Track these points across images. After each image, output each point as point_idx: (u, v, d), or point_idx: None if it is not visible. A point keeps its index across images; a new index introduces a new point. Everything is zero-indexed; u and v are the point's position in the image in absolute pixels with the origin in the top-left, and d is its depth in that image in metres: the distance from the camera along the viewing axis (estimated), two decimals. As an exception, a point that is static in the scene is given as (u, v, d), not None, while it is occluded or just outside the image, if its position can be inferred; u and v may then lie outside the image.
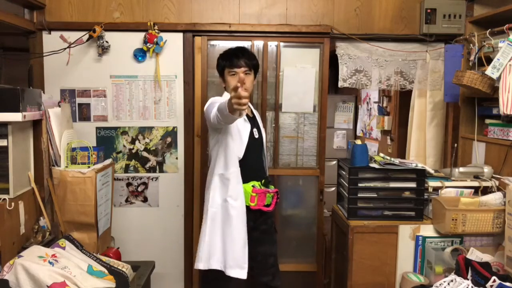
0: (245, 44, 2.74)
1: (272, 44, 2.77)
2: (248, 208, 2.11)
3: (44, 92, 2.56)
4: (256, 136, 2.22)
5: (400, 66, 2.85)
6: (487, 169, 2.32)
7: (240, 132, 2.13)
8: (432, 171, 2.41)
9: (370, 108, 4.61)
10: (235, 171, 2.10)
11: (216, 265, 2.07)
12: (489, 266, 1.86)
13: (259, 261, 2.23)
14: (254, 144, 2.19)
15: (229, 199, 2.09)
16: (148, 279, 2.42)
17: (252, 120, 2.24)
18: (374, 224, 2.26)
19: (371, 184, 2.32)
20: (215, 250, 2.09)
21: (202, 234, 2.13)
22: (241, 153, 2.12)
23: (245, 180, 2.12)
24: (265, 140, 2.30)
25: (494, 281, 1.74)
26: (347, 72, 2.83)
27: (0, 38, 3.09)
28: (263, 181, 2.20)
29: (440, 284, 1.86)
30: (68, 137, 2.32)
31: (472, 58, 2.45)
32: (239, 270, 2.04)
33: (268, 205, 2.18)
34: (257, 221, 2.22)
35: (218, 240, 2.09)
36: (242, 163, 2.12)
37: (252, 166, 2.18)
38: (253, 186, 2.14)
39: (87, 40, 2.64)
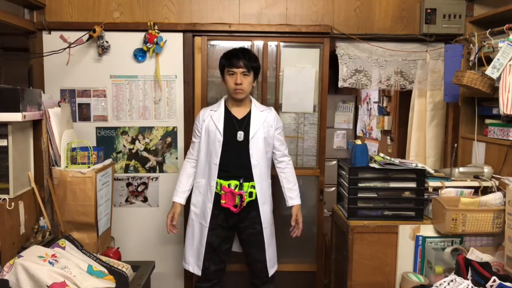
0: (245, 44, 2.74)
1: (272, 44, 2.77)
2: (228, 209, 2.24)
3: (44, 92, 2.56)
4: (241, 139, 2.26)
5: (400, 66, 2.85)
6: (487, 169, 2.32)
7: (214, 141, 2.27)
8: (432, 171, 2.41)
9: (370, 108, 4.61)
10: (200, 181, 2.34)
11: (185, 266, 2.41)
12: (489, 266, 1.86)
13: (248, 263, 2.40)
14: (234, 147, 2.26)
15: (192, 206, 2.37)
16: (148, 279, 2.42)
17: (240, 122, 2.29)
18: (374, 224, 2.26)
19: (371, 184, 2.32)
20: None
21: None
22: (216, 161, 2.25)
23: (226, 178, 2.24)
24: (261, 139, 2.29)
25: (494, 281, 1.73)
26: (347, 72, 2.83)
27: (0, 38, 3.10)
28: (240, 181, 2.24)
29: (440, 284, 1.86)
30: (68, 137, 2.32)
31: (472, 58, 2.45)
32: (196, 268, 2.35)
33: (236, 206, 2.22)
34: (242, 223, 2.30)
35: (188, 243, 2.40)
36: (221, 163, 2.25)
37: (230, 166, 2.25)
38: (228, 185, 2.22)
39: (87, 40, 2.64)
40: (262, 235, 2.30)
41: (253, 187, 2.25)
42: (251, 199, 2.25)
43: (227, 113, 2.31)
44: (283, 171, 2.39)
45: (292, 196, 2.36)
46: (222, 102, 2.36)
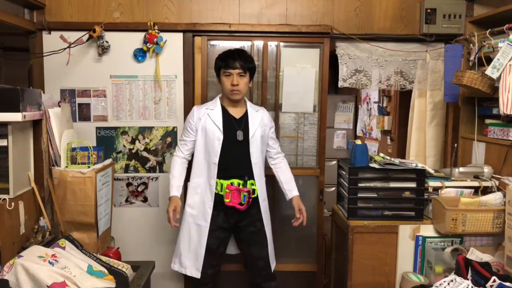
0: (245, 44, 2.75)
1: (272, 44, 2.77)
2: (229, 207, 2.23)
3: (44, 92, 2.55)
4: (240, 138, 2.27)
5: (400, 66, 2.85)
6: (487, 169, 2.32)
7: (213, 140, 2.25)
8: (432, 171, 2.41)
9: (370, 108, 4.61)
10: (197, 181, 2.30)
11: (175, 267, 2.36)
12: (489, 266, 1.86)
13: (249, 263, 2.38)
14: (234, 146, 2.26)
15: (187, 207, 2.33)
16: (148, 279, 2.42)
17: (239, 121, 2.29)
18: (374, 224, 2.26)
19: (371, 184, 2.32)
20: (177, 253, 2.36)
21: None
22: (215, 159, 2.23)
23: (227, 178, 2.24)
24: (259, 138, 2.31)
25: (494, 281, 1.73)
26: (347, 72, 2.83)
27: (0, 38, 3.10)
28: (244, 179, 2.24)
29: (440, 284, 1.86)
30: (68, 137, 2.32)
31: (472, 58, 2.45)
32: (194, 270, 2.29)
33: (241, 204, 2.22)
34: (243, 221, 2.30)
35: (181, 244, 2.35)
36: (220, 162, 2.24)
37: (230, 165, 2.25)
38: (231, 183, 2.22)
39: (87, 40, 2.64)
40: (263, 232, 2.32)
41: (253, 184, 2.27)
42: (253, 196, 2.27)
43: (225, 112, 2.31)
44: (278, 166, 2.42)
45: (291, 188, 2.38)
46: (217, 100, 2.35)
